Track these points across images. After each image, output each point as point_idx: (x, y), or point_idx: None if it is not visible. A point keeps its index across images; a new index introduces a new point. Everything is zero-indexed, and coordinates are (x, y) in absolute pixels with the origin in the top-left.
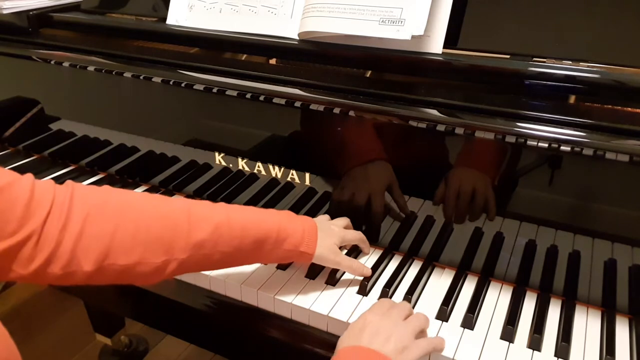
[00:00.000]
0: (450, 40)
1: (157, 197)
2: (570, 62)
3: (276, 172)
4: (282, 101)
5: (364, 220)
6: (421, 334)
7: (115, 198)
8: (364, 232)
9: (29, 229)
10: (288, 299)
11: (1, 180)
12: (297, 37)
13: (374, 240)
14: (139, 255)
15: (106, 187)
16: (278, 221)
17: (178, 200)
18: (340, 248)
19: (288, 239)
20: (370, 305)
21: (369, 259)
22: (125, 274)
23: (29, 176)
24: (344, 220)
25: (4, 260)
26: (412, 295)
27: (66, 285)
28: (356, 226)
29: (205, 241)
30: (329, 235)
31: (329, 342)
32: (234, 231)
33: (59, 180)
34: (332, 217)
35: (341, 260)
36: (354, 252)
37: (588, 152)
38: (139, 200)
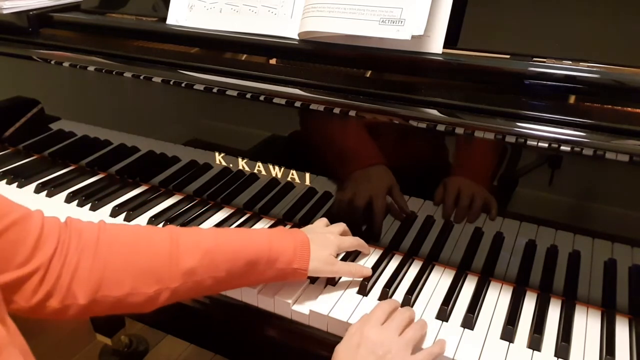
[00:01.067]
0: (450, 40)
1: (146, 229)
2: (570, 62)
3: (276, 172)
4: (282, 101)
5: (365, 220)
6: (420, 340)
7: (106, 233)
8: (364, 232)
9: (36, 262)
10: (288, 299)
11: (17, 212)
12: (297, 37)
13: (374, 240)
14: (130, 287)
15: (100, 223)
16: (268, 240)
17: (166, 229)
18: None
19: (280, 258)
20: (370, 311)
21: (369, 259)
22: (118, 304)
23: (40, 212)
24: (339, 227)
25: (8, 291)
26: (412, 295)
27: (63, 319)
28: (356, 226)
29: (195, 268)
30: (324, 246)
31: (329, 342)
32: (224, 255)
33: (59, 180)
34: (333, 218)
35: (338, 269)
36: (353, 253)
37: (588, 152)
38: (128, 233)
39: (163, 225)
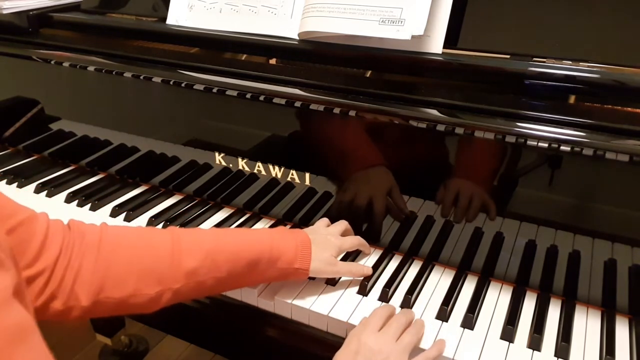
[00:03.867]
0: (450, 40)
1: (147, 230)
2: (570, 62)
3: (276, 172)
4: (282, 101)
5: (364, 221)
6: (418, 342)
7: (108, 235)
8: (364, 232)
9: (42, 264)
10: (288, 299)
11: (23, 214)
12: (297, 37)
13: (374, 241)
14: (132, 288)
15: (102, 225)
16: (270, 240)
17: (168, 230)
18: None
19: (282, 257)
20: (367, 317)
21: (369, 259)
22: (121, 305)
23: (45, 214)
24: (341, 226)
25: None
26: (412, 295)
27: (65, 320)
28: (356, 227)
29: (197, 269)
30: (325, 247)
31: (329, 342)
32: (225, 255)
33: (59, 180)
34: (332, 218)
35: (339, 269)
36: (354, 252)
37: (588, 152)
38: (130, 235)
39: (163, 226)
